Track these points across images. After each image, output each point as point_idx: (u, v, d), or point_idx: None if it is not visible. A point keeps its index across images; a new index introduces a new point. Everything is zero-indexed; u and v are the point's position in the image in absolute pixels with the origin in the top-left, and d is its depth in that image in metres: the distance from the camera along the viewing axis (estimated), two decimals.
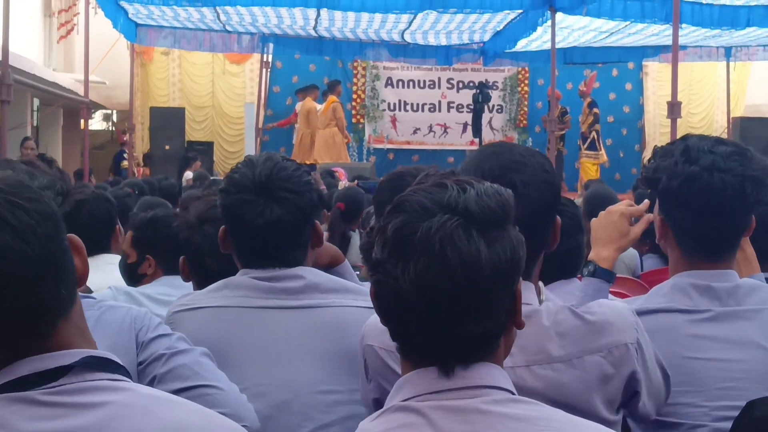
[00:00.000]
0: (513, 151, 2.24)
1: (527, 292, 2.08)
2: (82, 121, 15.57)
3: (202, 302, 2.68)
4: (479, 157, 2.25)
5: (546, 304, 2.14)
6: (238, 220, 2.64)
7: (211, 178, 12.83)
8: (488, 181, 1.64)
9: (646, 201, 2.77)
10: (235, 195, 2.64)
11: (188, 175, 16.27)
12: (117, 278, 3.89)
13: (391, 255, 1.55)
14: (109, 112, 23.75)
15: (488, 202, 1.57)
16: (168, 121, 19.65)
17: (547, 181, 2.19)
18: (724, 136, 13.52)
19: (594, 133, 18.49)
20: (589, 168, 18.36)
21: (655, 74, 22.52)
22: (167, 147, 19.15)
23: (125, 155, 16.87)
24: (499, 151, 2.24)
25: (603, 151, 18.82)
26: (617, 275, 3.13)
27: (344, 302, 2.64)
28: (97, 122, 23.96)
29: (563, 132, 18.69)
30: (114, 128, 23.11)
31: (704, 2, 13.17)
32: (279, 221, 2.60)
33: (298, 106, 18.81)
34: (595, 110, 18.60)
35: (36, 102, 20.04)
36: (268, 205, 2.60)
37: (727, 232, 2.51)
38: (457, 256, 1.51)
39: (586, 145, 18.49)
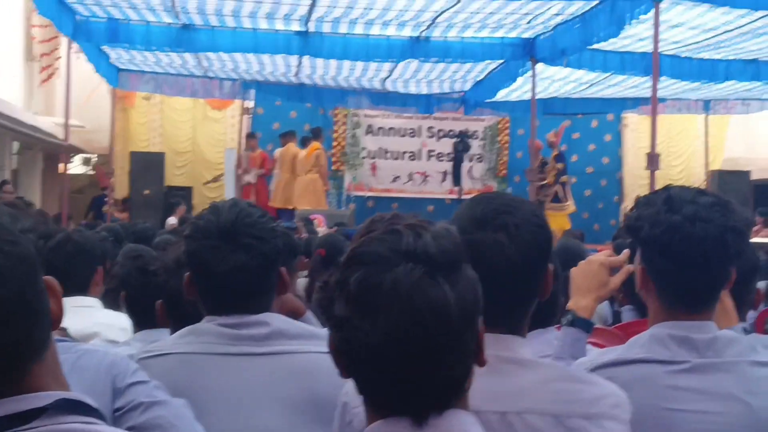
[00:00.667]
0: (504, 196, 2.25)
1: (516, 345, 2.09)
2: (62, 165, 15.49)
3: (168, 349, 2.66)
4: (471, 202, 2.25)
5: (549, 359, 2.13)
6: (202, 266, 2.63)
7: None
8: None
9: (626, 251, 2.77)
10: (200, 241, 2.63)
11: (171, 221, 16.19)
12: (85, 323, 3.81)
13: (356, 310, 1.52)
14: (88, 156, 23.65)
15: (445, 243, 1.56)
16: (148, 166, 19.60)
17: (539, 224, 2.18)
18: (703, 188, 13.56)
19: (559, 186, 18.15)
20: (557, 218, 18.05)
21: (635, 126, 22.60)
22: (146, 192, 19.10)
23: (106, 199, 16.77)
24: (491, 197, 2.23)
25: (570, 201, 18.36)
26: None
27: (311, 348, 2.63)
28: (76, 166, 23.87)
29: (544, 183, 18.65)
30: (94, 171, 22.92)
31: (683, 56, 13.33)
32: (243, 267, 2.59)
33: (278, 152, 18.83)
34: (559, 165, 18.14)
35: (15, 145, 19.98)
36: (232, 251, 2.59)
37: (707, 283, 2.50)
38: (425, 303, 1.50)
39: (550, 198, 18.09)
